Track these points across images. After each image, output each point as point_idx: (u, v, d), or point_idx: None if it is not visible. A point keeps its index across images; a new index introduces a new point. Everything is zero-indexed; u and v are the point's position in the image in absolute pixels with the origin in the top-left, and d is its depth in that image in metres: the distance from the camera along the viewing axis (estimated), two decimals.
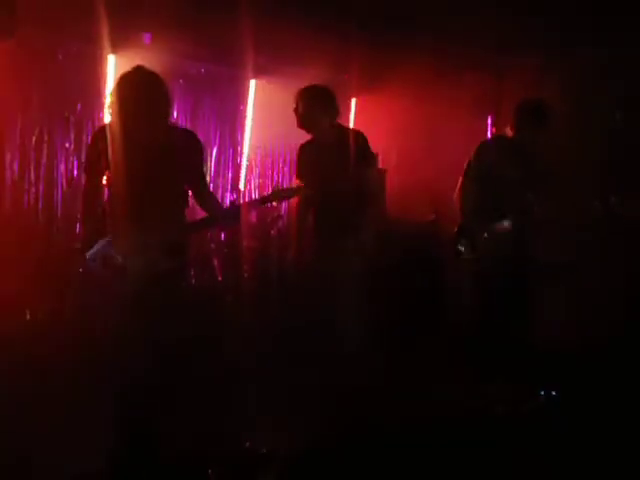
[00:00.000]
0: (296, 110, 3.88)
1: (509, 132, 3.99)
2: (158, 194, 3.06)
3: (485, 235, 3.93)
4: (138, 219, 3.05)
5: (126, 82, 3.02)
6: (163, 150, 3.05)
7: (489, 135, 7.05)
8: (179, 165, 3.09)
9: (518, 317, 3.99)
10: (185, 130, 3.38)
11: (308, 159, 3.99)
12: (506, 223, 3.88)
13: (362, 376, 3.63)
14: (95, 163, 3.12)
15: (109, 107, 3.05)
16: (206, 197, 3.28)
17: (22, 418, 3.17)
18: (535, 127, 3.89)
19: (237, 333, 4.52)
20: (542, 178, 3.91)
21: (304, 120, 3.87)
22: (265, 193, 3.63)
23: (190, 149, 3.17)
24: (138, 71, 3.05)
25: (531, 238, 3.98)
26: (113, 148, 3.02)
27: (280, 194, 3.35)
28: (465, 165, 4.04)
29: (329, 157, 3.83)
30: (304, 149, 4.04)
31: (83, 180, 3.45)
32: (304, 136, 4.01)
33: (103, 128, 3.10)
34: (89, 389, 3.31)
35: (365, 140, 3.86)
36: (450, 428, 3.24)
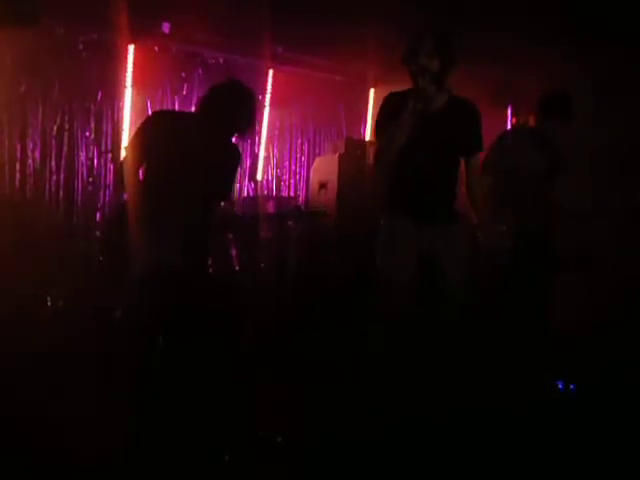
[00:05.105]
0: None
1: (532, 122, 3.96)
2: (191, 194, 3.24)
3: (504, 228, 3.89)
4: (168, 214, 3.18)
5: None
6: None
7: (509, 125, 7.00)
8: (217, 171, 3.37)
9: (537, 311, 3.96)
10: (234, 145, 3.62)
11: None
12: (521, 217, 3.83)
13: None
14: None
15: None
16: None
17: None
18: (559, 118, 3.85)
19: (255, 321, 4.55)
20: (565, 170, 3.87)
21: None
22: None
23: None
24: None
25: (552, 231, 3.94)
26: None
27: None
28: (483, 157, 3.98)
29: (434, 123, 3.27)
30: (393, 99, 3.32)
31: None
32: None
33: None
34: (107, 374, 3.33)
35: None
36: (469, 422, 3.21)
